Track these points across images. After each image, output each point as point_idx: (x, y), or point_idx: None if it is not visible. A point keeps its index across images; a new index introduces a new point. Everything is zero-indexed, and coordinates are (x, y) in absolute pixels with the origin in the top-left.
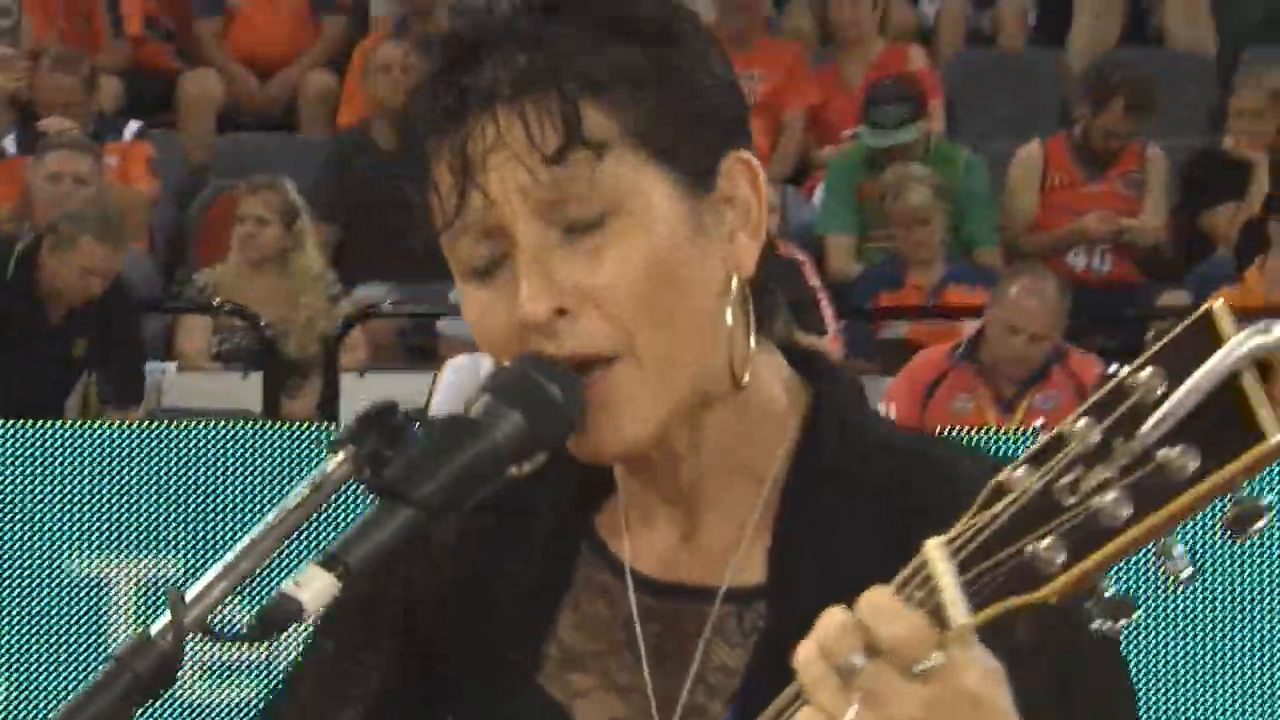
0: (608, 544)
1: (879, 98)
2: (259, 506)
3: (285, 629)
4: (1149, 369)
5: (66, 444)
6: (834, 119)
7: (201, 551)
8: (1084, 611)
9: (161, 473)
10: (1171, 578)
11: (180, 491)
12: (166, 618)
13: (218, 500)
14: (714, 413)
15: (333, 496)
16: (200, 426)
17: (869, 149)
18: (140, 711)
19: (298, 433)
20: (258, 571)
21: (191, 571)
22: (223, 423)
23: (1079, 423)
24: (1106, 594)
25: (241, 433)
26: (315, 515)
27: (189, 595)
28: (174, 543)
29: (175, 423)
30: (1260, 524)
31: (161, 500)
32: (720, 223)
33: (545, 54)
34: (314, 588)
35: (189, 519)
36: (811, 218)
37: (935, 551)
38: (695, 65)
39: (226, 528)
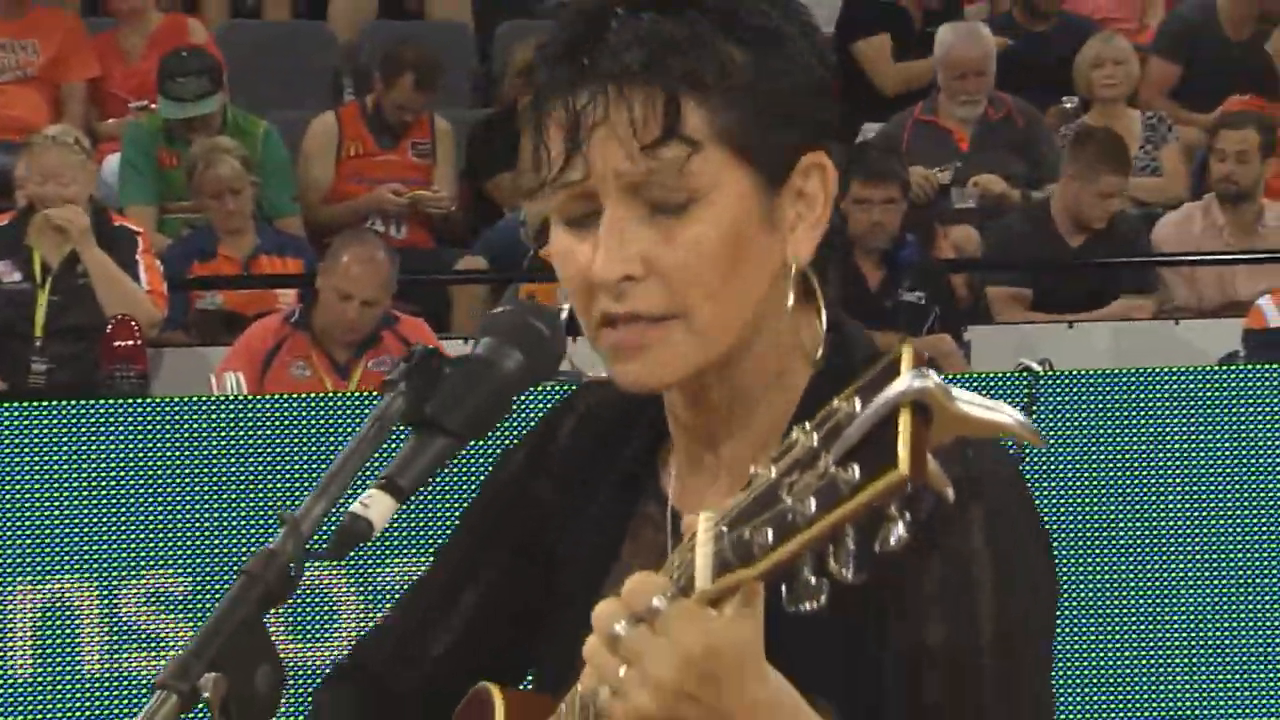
0: (661, 478)
1: (175, 70)
2: None
3: (358, 545)
4: (855, 397)
5: None
6: (116, 90)
7: None
8: (781, 593)
9: None
10: (837, 575)
11: None
12: (285, 533)
13: None
14: (746, 363)
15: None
16: None
17: (166, 121)
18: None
19: None
20: (345, 496)
21: None
22: None
23: (808, 430)
24: (801, 578)
25: None
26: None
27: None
28: None
29: None
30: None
31: None
32: (787, 215)
33: (660, 46)
34: (379, 508)
35: None
36: (102, 190)
37: (702, 521)
38: (792, 68)
39: None
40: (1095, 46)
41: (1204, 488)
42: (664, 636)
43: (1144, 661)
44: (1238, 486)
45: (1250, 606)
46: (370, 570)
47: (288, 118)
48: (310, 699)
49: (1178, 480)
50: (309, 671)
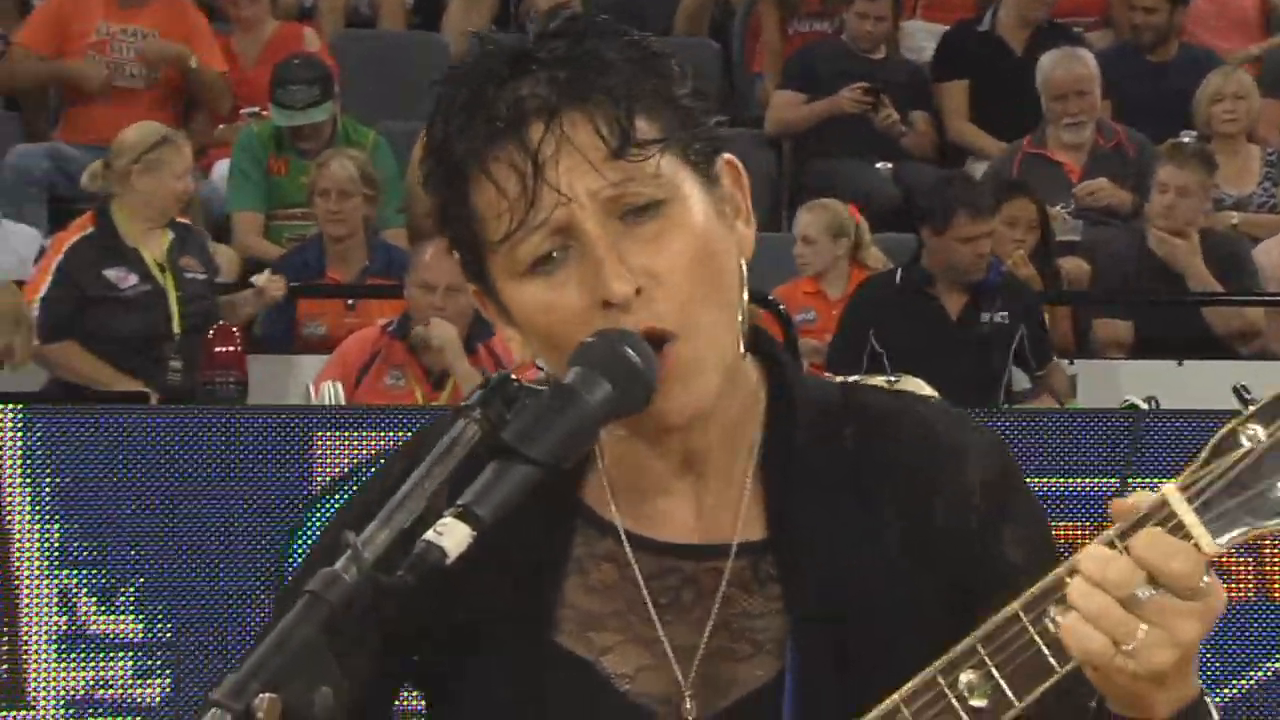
0: (597, 512)
1: (287, 78)
2: None
3: (433, 572)
4: None
5: None
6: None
7: None
8: None
9: None
10: None
11: None
12: (348, 556)
13: None
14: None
15: None
16: None
17: (276, 128)
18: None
19: None
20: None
21: None
22: None
23: None
24: None
25: None
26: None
27: (360, 540)
28: None
29: None
30: None
31: None
32: (726, 214)
33: (588, 69)
34: (454, 536)
35: None
36: (209, 193)
37: (1175, 495)
38: (682, 83)
39: None
40: (1215, 81)
41: None
42: (1198, 600)
43: None
44: None
45: None
46: None
47: (399, 128)
48: None
49: None
50: None
